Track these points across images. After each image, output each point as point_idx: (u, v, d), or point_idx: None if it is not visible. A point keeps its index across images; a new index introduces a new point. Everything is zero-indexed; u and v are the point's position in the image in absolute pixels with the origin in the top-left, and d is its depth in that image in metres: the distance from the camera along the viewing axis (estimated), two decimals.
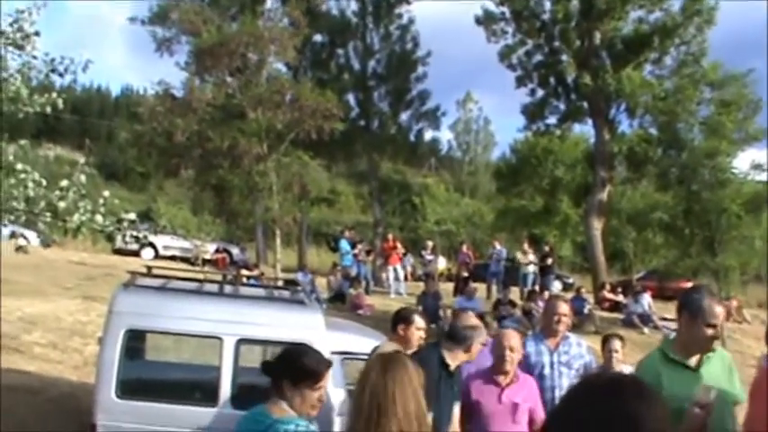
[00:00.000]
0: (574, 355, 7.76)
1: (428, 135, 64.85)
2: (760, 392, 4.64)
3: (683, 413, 4.63)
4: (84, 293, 20.24)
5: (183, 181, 42.99)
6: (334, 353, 8.16)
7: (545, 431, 2.24)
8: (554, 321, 7.84)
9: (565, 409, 2.23)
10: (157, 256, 34.87)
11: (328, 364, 4.66)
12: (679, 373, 5.07)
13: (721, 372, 5.21)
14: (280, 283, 11.05)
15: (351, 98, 38.43)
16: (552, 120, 36.70)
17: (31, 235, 35.89)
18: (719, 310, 5.01)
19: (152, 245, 35.82)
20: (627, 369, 8.50)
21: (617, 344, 8.70)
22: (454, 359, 6.40)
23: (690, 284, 35.17)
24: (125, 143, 44.23)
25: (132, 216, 10.06)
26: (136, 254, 33.01)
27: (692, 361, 5.13)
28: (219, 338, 8.02)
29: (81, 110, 79.37)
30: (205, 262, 34.46)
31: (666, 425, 2.12)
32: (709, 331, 4.99)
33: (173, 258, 34.30)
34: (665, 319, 26.90)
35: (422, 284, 25.84)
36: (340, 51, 38.84)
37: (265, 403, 4.61)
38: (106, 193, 9.76)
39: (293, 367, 4.52)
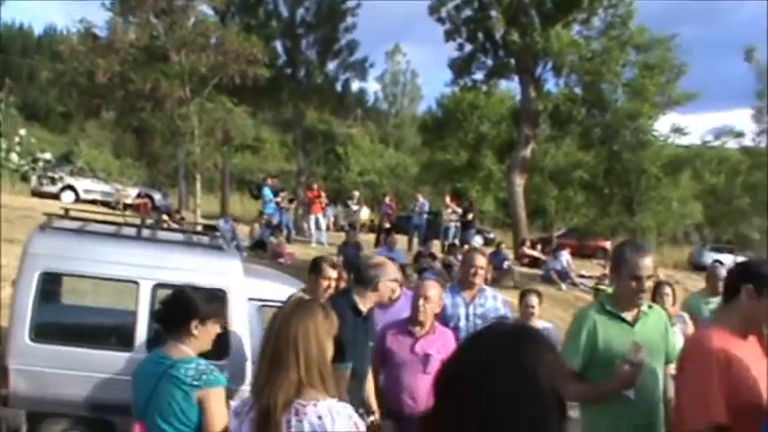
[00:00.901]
0: (489, 308, 7.74)
1: (355, 86, 64.75)
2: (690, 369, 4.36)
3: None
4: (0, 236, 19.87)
5: (104, 123, 42.30)
6: (251, 299, 8.16)
7: (440, 374, 2.25)
8: (470, 274, 7.84)
9: (462, 355, 2.26)
10: (78, 200, 34.29)
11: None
12: (615, 326, 5.09)
13: (656, 329, 5.25)
14: (199, 229, 10.94)
15: (278, 45, 38.12)
16: (479, 75, 36.82)
17: None
18: (645, 262, 4.99)
19: (72, 188, 35.24)
20: (543, 324, 8.63)
21: (534, 299, 8.77)
22: (364, 302, 6.29)
23: (607, 243, 36.11)
24: (46, 83, 43.27)
25: (48, 156, 9.88)
26: (55, 197, 32.48)
27: (629, 316, 5.14)
28: (136, 282, 7.91)
29: (1, 48, 77.49)
30: (126, 207, 33.97)
31: (561, 378, 2.15)
32: (634, 284, 4.99)
33: (93, 202, 33.72)
34: (582, 276, 27.34)
35: (344, 234, 25.85)
36: None
37: (161, 347, 4.65)
38: (22, 132, 9.55)
39: (201, 306, 4.58)
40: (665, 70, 27.07)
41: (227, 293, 7.77)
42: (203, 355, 4.62)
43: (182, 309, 4.60)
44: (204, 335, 4.61)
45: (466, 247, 21.64)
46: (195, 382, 4.36)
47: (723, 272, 8.47)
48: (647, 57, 27.59)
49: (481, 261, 7.95)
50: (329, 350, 3.71)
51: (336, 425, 3.43)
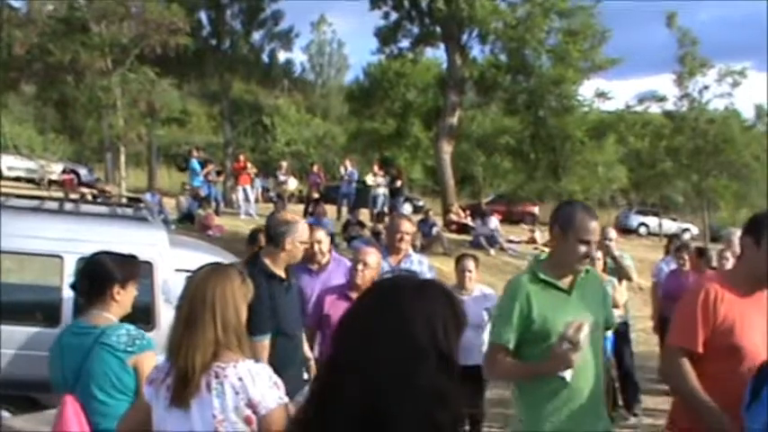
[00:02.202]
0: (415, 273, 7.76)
1: (282, 57, 64.29)
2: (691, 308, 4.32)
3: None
4: None
5: (26, 98, 41.52)
6: (177, 270, 8.09)
7: (341, 325, 2.28)
8: (396, 239, 7.89)
9: (354, 307, 2.29)
10: (1, 177, 33.73)
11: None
12: (550, 296, 4.62)
13: (594, 295, 4.83)
14: (123, 201, 10.83)
15: (203, 16, 37.75)
16: (405, 43, 36.93)
17: None
18: (594, 225, 4.59)
19: None
20: (481, 289, 8.69)
21: (470, 264, 8.76)
22: (276, 263, 6.14)
23: (535, 208, 36.50)
24: None
25: None
26: None
27: (565, 282, 4.67)
28: (60, 257, 7.80)
29: None
30: (51, 183, 33.47)
31: (450, 331, 2.18)
32: (582, 248, 4.54)
33: (17, 180, 33.22)
34: (511, 242, 27.65)
35: (272, 206, 25.77)
36: None
37: (80, 318, 4.62)
38: None
39: (119, 270, 4.57)
40: (589, 36, 27.32)
41: (154, 265, 7.71)
42: (132, 324, 4.58)
43: (101, 275, 4.57)
44: (125, 298, 4.61)
45: (394, 214, 21.70)
46: (129, 348, 4.36)
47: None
48: (570, 23, 27.82)
49: (407, 227, 7.98)
50: (244, 314, 3.71)
51: (257, 385, 3.44)
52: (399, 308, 2.13)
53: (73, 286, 4.79)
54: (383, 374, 2.04)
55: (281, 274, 6.13)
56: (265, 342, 5.76)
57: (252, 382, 3.44)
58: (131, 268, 4.76)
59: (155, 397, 3.65)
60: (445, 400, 2.10)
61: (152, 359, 4.39)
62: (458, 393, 2.15)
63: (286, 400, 3.52)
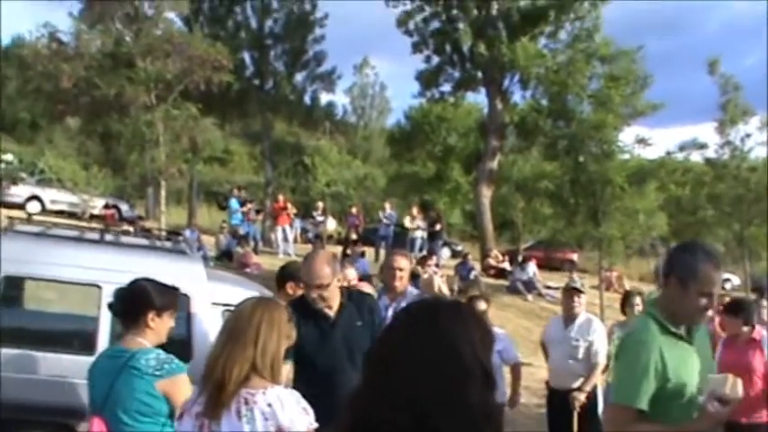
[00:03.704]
0: None
1: (324, 99, 64.71)
2: None
3: (691, 400, 4.12)
4: None
5: (71, 134, 42.03)
6: (214, 304, 8.14)
7: (369, 356, 2.30)
8: (389, 276, 7.74)
9: (387, 334, 2.31)
10: (44, 210, 34.05)
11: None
12: (678, 347, 4.19)
13: (706, 347, 4.54)
14: (163, 234, 10.92)
15: (246, 57, 38.17)
16: (447, 87, 37.16)
17: None
18: (719, 276, 4.15)
19: (38, 198, 35.03)
20: (494, 330, 8.67)
21: (482, 305, 8.79)
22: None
23: (574, 255, 36.28)
24: (14, 94, 43.01)
25: (10, 157, 9.81)
26: (21, 207, 32.23)
27: (683, 332, 4.25)
28: (98, 286, 7.88)
29: None
30: (93, 217, 33.77)
31: (485, 348, 2.20)
32: (703, 301, 4.10)
33: (60, 213, 33.55)
34: (549, 288, 27.51)
35: (311, 246, 25.86)
36: (237, 9, 38.37)
37: (118, 343, 4.67)
38: None
39: (157, 298, 4.62)
40: (631, 81, 27.21)
41: (191, 298, 7.74)
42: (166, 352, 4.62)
43: (138, 301, 4.63)
44: (161, 327, 4.65)
45: (434, 258, 21.70)
46: (157, 372, 4.39)
47: None
48: (612, 68, 27.76)
49: (401, 263, 7.80)
50: (284, 349, 3.76)
51: (286, 411, 3.48)
52: (442, 330, 2.15)
53: (110, 306, 4.84)
54: (434, 397, 2.06)
55: (323, 309, 5.85)
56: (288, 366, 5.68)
57: (281, 407, 3.48)
58: (170, 298, 4.82)
59: (187, 426, 3.69)
60: (490, 414, 2.13)
61: (184, 383, 4.43)
62: (498, 408, 2.18)
63: (315, 425, 3.55)
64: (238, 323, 3.72)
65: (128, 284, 4.81)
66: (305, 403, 3.59)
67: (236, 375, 3.54)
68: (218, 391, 3.55)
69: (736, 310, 8.76)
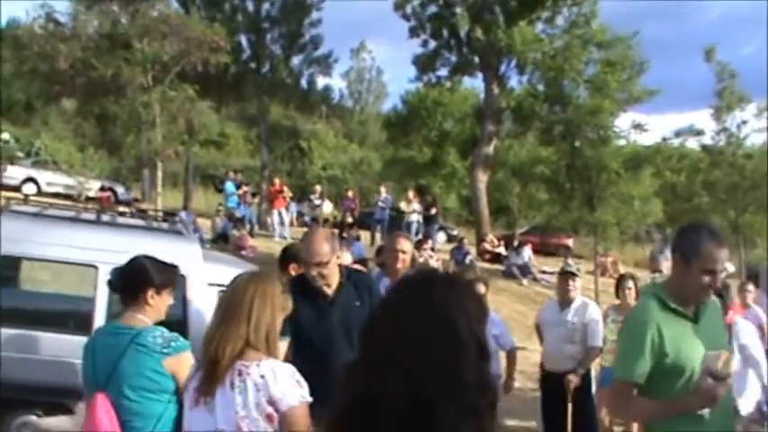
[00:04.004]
0: None
1: (321, 83, 64.65)
2: None
3: (693, 377, 4.18)
4: None
5: (67, 116, 41.93)
6: (210, 284, 8.16)
7: (365, 329, 2.31)
8: (391, 258, 7.61)
9: (383, 306, 2.32)
10: (40, 193, 34.02)
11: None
12: (679, 325, 4.29)
13: (716, 325, 4.55)
14: (159, 215, 10.92)
15: (243, 40, 38.06)
16: (443, 72, 37.10)
17: None
18: (723, 254, 4.27)
19: (34, 180, 35.05)
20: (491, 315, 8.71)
21: (481, 288, 8.80)
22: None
23: (569, 240, 36.35)
24: (9, 76, 42.92)
25: (6, 136, 9.79)
26: (17, 189, 32.20)
27: (689, 311, 4.35)
28: (95, 267, 7.90)
29: None
30: (89, 199, 33.74)
31: (480, 321, 2.21)
32: (706, 279, 4.20)
33: (56, 195, 33.52)
34: (544, 272, 27.58)
35: (306, 230, 25.89)
36: None
37: (117, 320, 4.68)
38: None
39: (156, 275, 4.63)
40: (627, 67, 27.21)
41: (187, 278, 7.75)
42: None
43: (137, 278, 4.64)
44: (160, 304, 4.66)
45: (429, 242, 21.69)
46: (165, 350, 4.40)
47: None
48: (608, 54, 27.76)
49: (404, 245, 7.63)
50: (279, 321, 3.79)
51: (279, 383, 3.51)
52: (438, 302, 2.15)
53: (110, 283, 4.84)
54: (429, 369, 2.06)
55: (322, 288, 5.85)
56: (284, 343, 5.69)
57: (273, 379, 3.51)
58: (169, 275, 4.82)
59: (186, 400, 3.75)
60: (485, 386, 2.14)
61: (188, 360, 4.44)
62: (494, 380, 2.20)
63: (308, 399, 3.57)
64: (232, 299, 3.77)
65: (127, 261, 4.80)
66: (299, 377, 3.62)
67: (230, 352, 3.60)
68: (213, 367, 3.61)
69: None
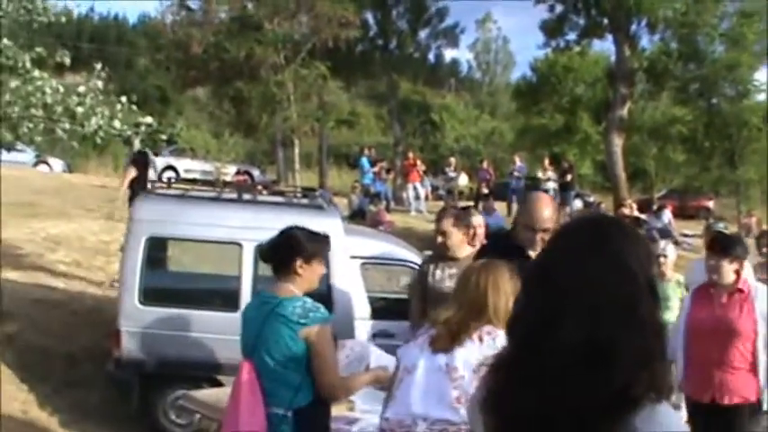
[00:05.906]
0: None
1: (448, 56, 64.54)
2: None
3: None
4: (106, 215, 20.23)
5: (202, 105, 42.88)
6: (353, 257, 8.24)
7: (534, 278, 2.27)
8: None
9: (549, 247, 2.29)
10: (179, 180, 34.86)
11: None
12: None
13: None
14: (299, 192, 11.06)
15: (369, 17, 38.20)
16: (572, 36, 36.42)
17: (55, 162, 36.11)
18: None
19: (173, 168, 35.96)
20: None
21: None
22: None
23: (710, 202, 35.47)
24: (143, 69, 44.09)
25: (149, 120, 10.03)
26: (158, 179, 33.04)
27: None
28: (239, 244, 8.08)
29: (99, 40, 78.95)
30: (226, 184, 34.36)
31: (650, 263, 2.18)
32: None
33: (194, 181, 34.27)
34: (685, 236, 27.00)
35: (442, 203, 25.83)
36: None
37: (269, 288, 4.77)
38: (123, 99, 9.73)
39: (306, 245, 4.68)
40: (764, 16, 26.27)
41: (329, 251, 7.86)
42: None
43: (287, 247, 4.72)
44: (310, 274, 4.73)
45: (566, 209, 21.46)
46: (302, 320, 4.48)
47: None
48: (744, 5, 26.83)
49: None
50: (512, 302, 3.92)
51: None
52: (614, 246, 2.12)
53: (261, 253, 4.96)
54: (610, 310, 2.04)
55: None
56: None
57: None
58: (319, 246, 4.89)
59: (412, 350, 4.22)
60: (660, 331, 2.12)
61: (326, 331, 4.54)
62: (665, 324, 2.19)
63: None
64: (467, 293, 4.15)
65: (279, 232, 4.92)
66: None
67: (474, 327, 4.05)
68: (457, 329, 4.08)
69: (726, 246, 6.47)
